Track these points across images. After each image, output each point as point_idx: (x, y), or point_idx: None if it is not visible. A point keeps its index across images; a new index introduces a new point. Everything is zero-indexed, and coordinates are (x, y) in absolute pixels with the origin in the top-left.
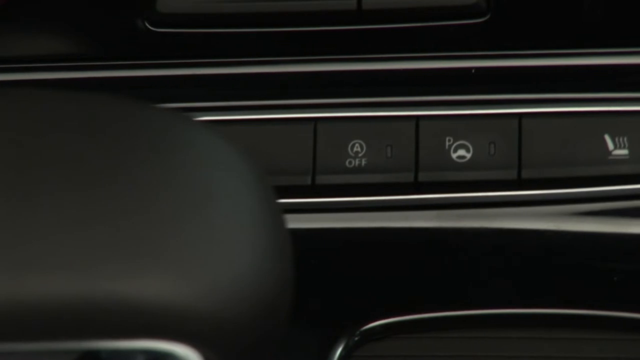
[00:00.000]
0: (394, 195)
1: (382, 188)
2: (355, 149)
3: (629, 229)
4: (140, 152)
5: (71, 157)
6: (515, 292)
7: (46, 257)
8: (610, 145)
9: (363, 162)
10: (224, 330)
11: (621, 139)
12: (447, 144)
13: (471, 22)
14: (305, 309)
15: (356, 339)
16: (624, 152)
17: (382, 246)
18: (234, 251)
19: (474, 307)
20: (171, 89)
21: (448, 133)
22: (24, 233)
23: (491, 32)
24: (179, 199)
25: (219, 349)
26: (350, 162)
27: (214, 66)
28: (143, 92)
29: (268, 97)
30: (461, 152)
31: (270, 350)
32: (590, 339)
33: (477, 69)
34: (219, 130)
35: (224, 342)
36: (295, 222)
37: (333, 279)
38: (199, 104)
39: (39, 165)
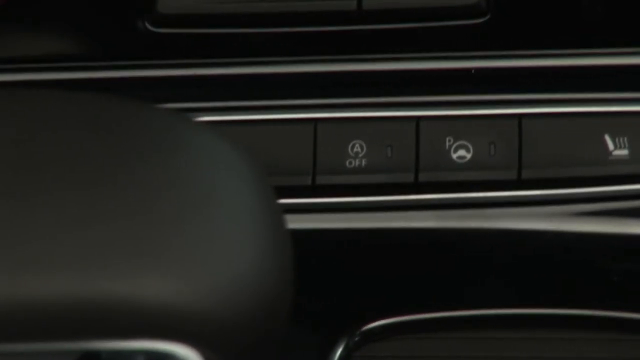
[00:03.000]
0: (394, 196)
1: (382, 188)
2: (355, 149)
3: (629, 229)
4: (141, 153)
5: (72, 156)
6: (515, 292)
7: (46, 257)
8: (611, 146)
9: (363, 163)
10: (224, 331)
11: (621, 140)
12: (447, 144)
13: (471, 23)
14: (305, 309)
15: (356, 339)
16: (624, 152)
17: (382, 246)
18: (234, 251)
19: (474, 307)
20: (172, 90)
21: (448, 133)
22: (25, 233)
23: (491, 33)
24: (179, 200)
25: (219, 349)
26: (350, 163)
27: (214, 66)
28: (143, 93)
29: (268, 97)
30: (461, 152)
31: (271, 351)
32: (590, 339)
33: (477, 69)
34: (219, 131)
35: (224, 342)
36: (295, 222)
37: (333, 279)
38: (200, 105)
39: (40, 165)
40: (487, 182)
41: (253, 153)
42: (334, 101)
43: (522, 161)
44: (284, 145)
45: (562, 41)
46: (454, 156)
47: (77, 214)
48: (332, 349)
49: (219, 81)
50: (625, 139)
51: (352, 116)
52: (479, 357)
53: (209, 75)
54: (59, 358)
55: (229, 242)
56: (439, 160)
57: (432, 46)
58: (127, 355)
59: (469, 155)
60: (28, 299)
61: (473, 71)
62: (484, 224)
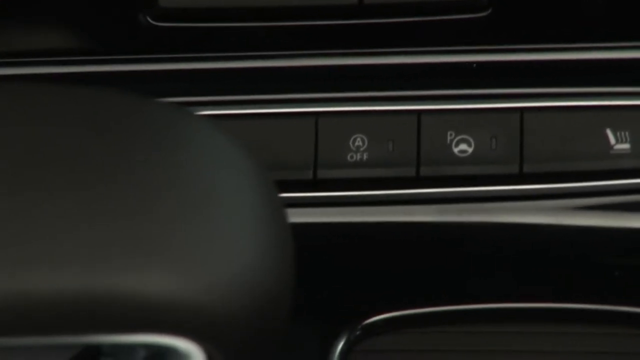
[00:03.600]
0: (395, 190)
1: (384, 182)
2: (357, 143)
3: (631, 223)
4: (142, 148)
5: (72, 152)
6: (516, 286)
7: (49, 252)
8: (612, 140)
9: (365, 157)
10: (225, 325)
11: (623, 134)
12: (448, 138)
13: (472, 17)
14: (307, 303)
15: (357, 333)
16: (626, 146)
17: (383, 240)
18: (235, 246)
19: (475, 301)
20: (173, 83)
21: (450, 127)
22: (27, 229)
23: (492, 27)
24: (180, 195)
25: (220, 344)
26: (352, 157)
27: (215, 60)
28: (145, 87)
29: (270, 91)
30: (463, 146)
31: (272, 345)
32: (591, 333)
33: (479, 63)
34: (220, 125)
35: (225, 336)
36: (296, 216)
37: (334, 273)
38: (201, 98)
39: (42, 161)
40: (488, 176)
41: (254, 147)
42: (335, 95)
43: (523, 155)
44: (285, 139)
45: (564, 35)
46: (456, 150)
47: (78, 211)
48: (334, 343)
49: (220, 75)
50: (627, 133)
51: (354, 110)
52: (480, 350)
53: (210, 69)
54: (60, 352)
55: (230, 238)
56: (441, 154)
57: (433, 40)
58: (129, 349)
59: (470, 150)
60: (31, 293)
61: (474, 65)
62: (485, 218)
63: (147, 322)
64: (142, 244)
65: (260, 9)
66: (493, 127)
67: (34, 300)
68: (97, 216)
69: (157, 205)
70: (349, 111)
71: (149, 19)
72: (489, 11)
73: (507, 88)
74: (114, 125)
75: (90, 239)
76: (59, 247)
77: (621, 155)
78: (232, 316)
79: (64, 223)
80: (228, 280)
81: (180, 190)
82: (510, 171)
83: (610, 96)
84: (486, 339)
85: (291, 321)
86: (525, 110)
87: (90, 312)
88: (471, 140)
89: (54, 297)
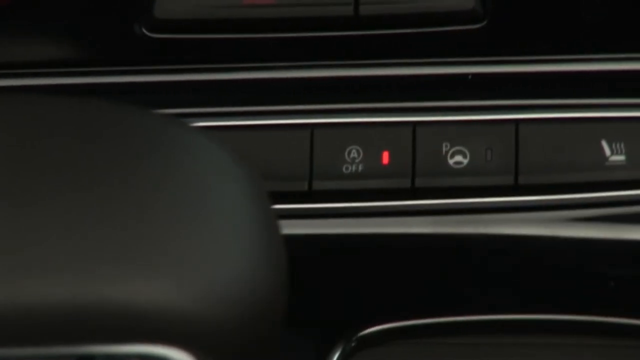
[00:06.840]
0: (390, 201)
1: (379, 194)
2: (352, 155)
3: (626, 235)
4: (136, 158)
5: (66, 162)
6: (512, 298)
7: (40, 262)
8: (607, 151)
9: (360, 168)
10: (217, 335)
11: (618, 145)
12: (444, 149)
13: (468, 28)
14: (302, 315)
15: (353, 344)
16: (621, 158)
17: (378, 252)
18: (227, 256)
19: (471, 313)
20: (168, 95)
21: (445, 139)
22: (19, 237)
23: (488, 38)
24: (173, 205)
25: (212, 353)
26: (347, 168)
27: (210, 72)
28: (139, 98)
29: (265, 103)
30: (458, 157)
31: (265, 355)
32: (587, 345)
33: (474, 74)
34: (215, 136)
35: (217, 346)
36: (291, 227)
37: (329, 284)
38: (196, 110)
39: (34, 170)
40: (483, 188)
41: (249, 158)
42: (330, 106)
43: (518, 167)
44: (281, 151)
45: (559, 47)
46: (451, 162)
47: (69, 220)
48: (329, 355)
49: (216, 86)
50: (622, 144)
51: (349, 121)
52: None
53: (205, 81)
54: None
55: (222, 247)
56: (436, 166)
57: (429, 52)
58: (121, 358)
59: (465, 161)
60: (22, 303)
61: (470, 77)
62: (480, 230)
63: (138, 332)
64: (132, 254)
65: (255, 21)
66: (488, 139)
67: (23, 311)
68: (88, 223)
69: (147, 214)
70: (344, 122)
71: (144, 30)
72: (485, 23)
73: (502, 100)
74: (106, 134)
75: (80, 249)
76: (49, 257)
77: (616, 166)
78: (224, 325)
79: (53, 233)
80: (220, 289)
81: (170, 199)
82: (505, 182)
83: (606, 108)
84: (482, 351)
85: (286, 332)
86: (520, 122)
87: (81, 323)
88: (466, 151)
89: (43, 307)
